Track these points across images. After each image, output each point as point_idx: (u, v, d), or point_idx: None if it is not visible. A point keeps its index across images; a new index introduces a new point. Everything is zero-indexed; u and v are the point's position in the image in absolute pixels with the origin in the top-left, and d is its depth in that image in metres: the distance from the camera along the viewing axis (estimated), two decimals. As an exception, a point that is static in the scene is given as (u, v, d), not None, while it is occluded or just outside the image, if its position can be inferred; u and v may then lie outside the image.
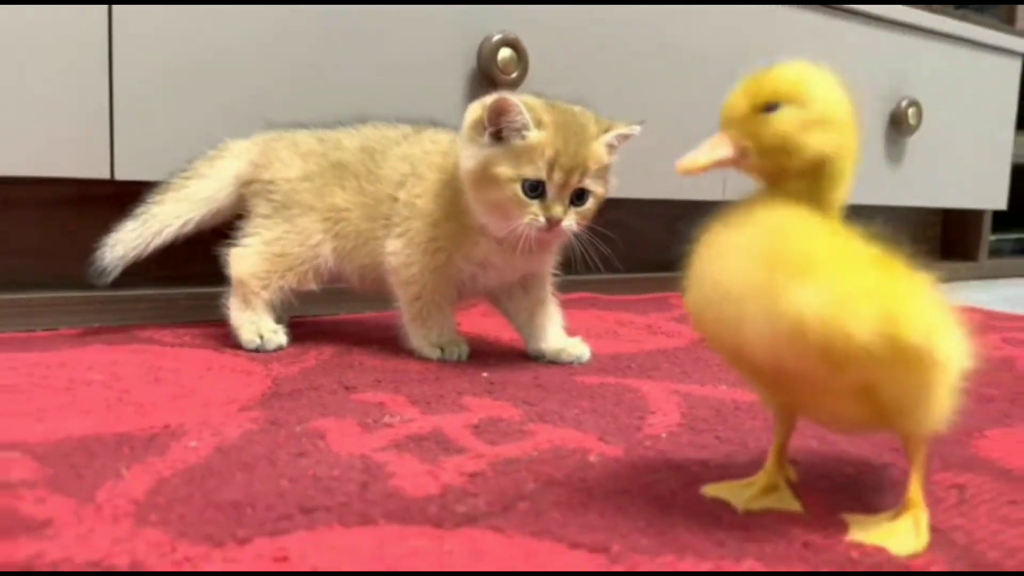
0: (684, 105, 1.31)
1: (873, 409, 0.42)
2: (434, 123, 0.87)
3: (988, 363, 0.82)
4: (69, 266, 0.89)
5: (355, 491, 0.46)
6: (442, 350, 0.79)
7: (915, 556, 0.40)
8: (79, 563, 0.37)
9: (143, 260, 0.85)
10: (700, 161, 0.41)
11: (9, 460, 0.49)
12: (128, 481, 0.46)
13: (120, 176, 0.90)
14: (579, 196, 0.73)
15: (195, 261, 0.90)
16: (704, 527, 0.42)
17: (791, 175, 0.40)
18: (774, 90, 0.40)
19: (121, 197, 0.88)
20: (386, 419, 0.59)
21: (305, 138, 0.85)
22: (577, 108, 0.75)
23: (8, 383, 0.65)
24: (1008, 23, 2.20)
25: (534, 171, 0.70)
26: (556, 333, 0.81)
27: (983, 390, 0.75)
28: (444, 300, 0.79)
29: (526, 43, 1.11)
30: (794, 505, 0.46)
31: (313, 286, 0.84)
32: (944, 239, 2.04)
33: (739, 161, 0.40)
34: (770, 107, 0.39)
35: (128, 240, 0.81)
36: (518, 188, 0.70)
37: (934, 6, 1.71)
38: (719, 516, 0.44)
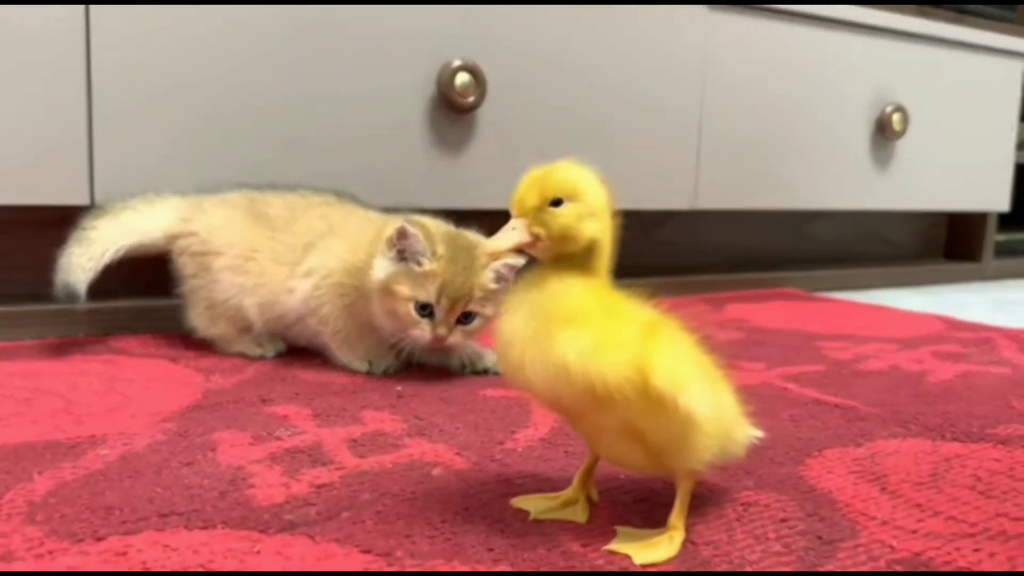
0: (646, 122, 1.37)
1: (645, 450, 0.50)
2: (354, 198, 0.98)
3: (893, 378, 0.87)
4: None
5: (212, 499, 0.54)
6: (370, 363, 0.88)
7: (653, 565, 0.47)
8: (-38, 555, 0.46)
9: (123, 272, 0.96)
10: (504, 245, 0.49)
11: (-53, 465, 0.59)
12: (36, 484, 0.56)
13: (101, 202, 1.00)
14: (466, 316, 0.84)
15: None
16: (486, 535, 0.50)
17: (571, 253, 0.49)
18: (557, 188, 0.48)
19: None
20: (278, 432, 0.67)
21: (235, 195, 0.96)
22: (473, 238, 0.85)
23: (-21, 392, 0.76)
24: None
25: (425, 295, 0.81)
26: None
27: (866, 408, 0.80)
28: (364, 328, 0.88)
29: (485, 68, 1.18)
30: (581, 518, 0.53)
31: (256, 328, 0.93)
32: (949, 241, 2.05)
33: (533, 244, 0.49)
34: (555, 202, 0.48)
35: (80, 263, 0.91)
36: (411, 307, 0.82)
37: (924, 7, 1.72)
38: (509, 526, 0.51)
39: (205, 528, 0.50)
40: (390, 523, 0.51)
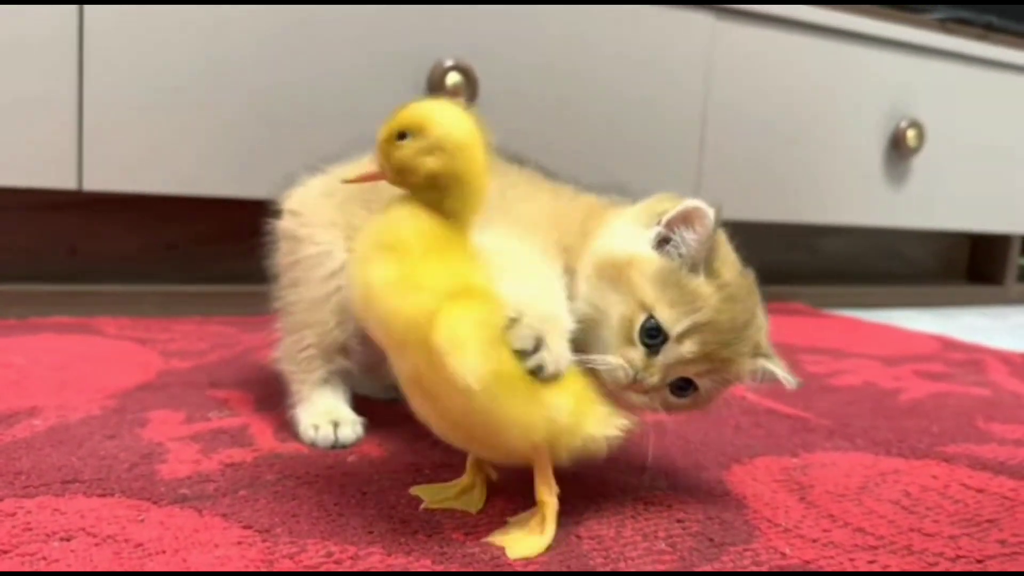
0: (645, 129, 1.36)
1: (466, 433, 0.48)
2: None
3: (862, 393, 0.85)
4: (54, 262, 1.05)
5: (121, 470, 0.55)
6: None
7: (525, 559, 0.47)
8: None
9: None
10: (351, 175, 0.50)
11: None
12: (-41, 449, 0.58)
13: (88, 187, 1.03)
14: (685, 385, 0.54)
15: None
16: (372, 520, 0.50)
17: (416, 188, 0.47)
18: (404, 122, 0.47)
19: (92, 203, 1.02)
20: (211, 414, 0.68)
21: None
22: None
23: (-56, 363, 0.79)
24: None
25: (671, 317, 0.52)
26: None
27: (817, 420, 0.79)
28: None
29: (477, 69, 1.19)
30: (473, 507, 0.53)
31: None
32: (971, 262, 2.00)
33: (381, 176, 0.48)
34: (400, 136, 0.46)
35: None
36: (639, 320, 0.52)
37: (948, 24, 1.68)
38: (398, 512, 0.51)
39: (102, 496, 0.51)
40: (282, 503, 0.52)
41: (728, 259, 0.56)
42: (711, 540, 0.51)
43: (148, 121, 1.04)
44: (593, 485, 0.58)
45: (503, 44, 1.22)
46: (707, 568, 0.47)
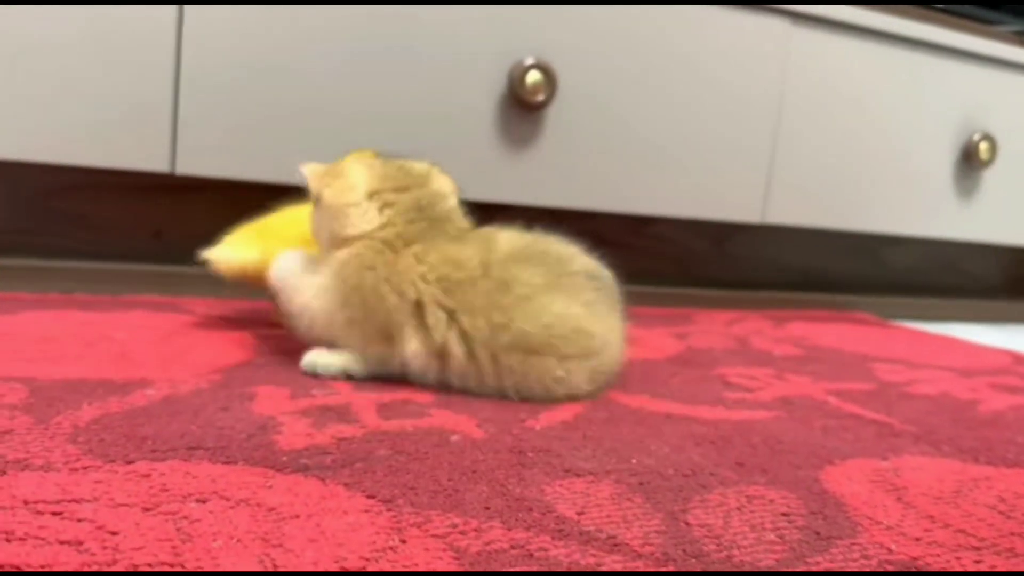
0: (718, 131, 1.37)
1: None
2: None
3: (941, 403, 0.86)
4: (142, 243, 1.08)
5: (239, 440, 0.58)
6: None
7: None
8: (9, 459, 0.51)
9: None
10: None
11: (11, 388, 0.64)
12: (83, 413, 0.60)
13: (180, 171, 1.06)
14: None
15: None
16: (487, 496, 0.52)
17: None
18: None
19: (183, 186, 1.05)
20: (314, 391, 0.71)
21: None
22: None
23: (51, 334, 0.82)
24: None
25: None
26: None
27: (902, 426, 0.79)
28: None
29: (557, 68, 1.20)
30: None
31: None
32: (1034, 279, 1.97)
33: None
34: None
35: None
36: None
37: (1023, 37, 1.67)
38: (510, 491, 0.53)
39: (227, 463, 0.53)
40: (398, 476, 0.54)
41: None
42: (818, 534, 0.51)
43: (240, 109, 1.07)
44: (691, 475, 0.59)
45: (583, 43, 1.24)
46: (818, 559, 0.48)
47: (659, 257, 1.52)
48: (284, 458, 0.55)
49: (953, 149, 1.61)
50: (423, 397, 0.73)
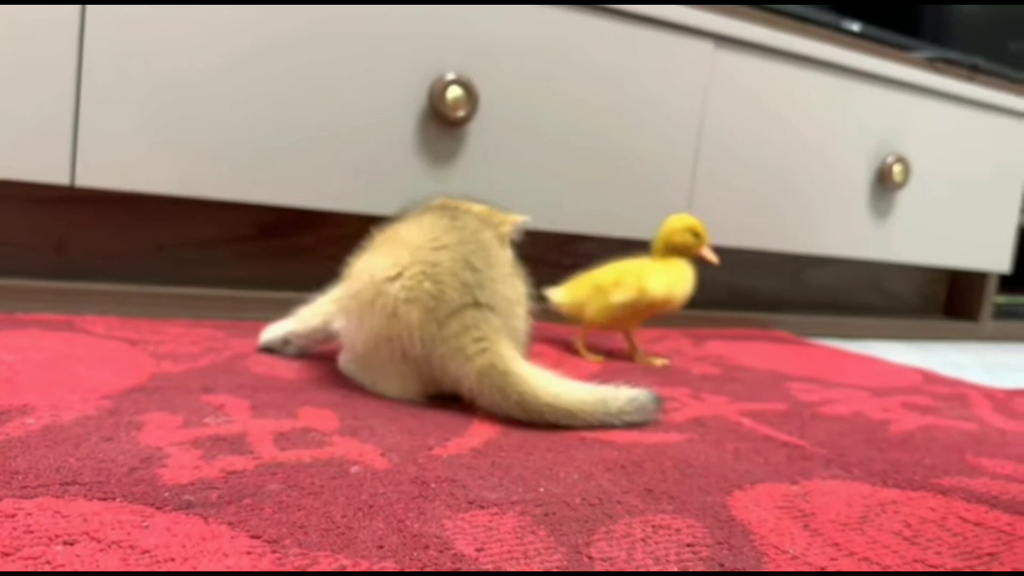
0: (641, 151, 1.37)
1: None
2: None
3: (853, 423, 0.87)
4: (42, 257, 1.02)
5: (120, 473, 0.54)
6: None
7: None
8: None
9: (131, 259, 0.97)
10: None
11: None
12: (-50, 446, 0.56)
13: (80, 183, 1.01)
14: None
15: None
16: (382, 534, 0.49)
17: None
18: (694, 227, 1.12)
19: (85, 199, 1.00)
20: (207, 419, 0.67)
21: None
22: None
23: (-72, 357, 0.77)
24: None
25: None
26: None
27: (814, 448, 0.79)
28: None
29: (478, 84, 1.19)
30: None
31: None
32: (948, 298, 2.03)
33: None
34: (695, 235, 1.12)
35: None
36: None
37: (937, 63, 1.72)
38: (408, 526, 0.51)
39: (104, 499, 0.50)
40: (288, 513, 0.51)
41: None
42: (721, 565, 0.50)
43: (144, 121, 1.03)
44: (598, 504, 0.58)
45: (505, 60, 1.23)
46: (721, 594, 0.47)
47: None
48: (166, 494, 0.52)
49: (869, 171, 1.65)
50: (326, 424, 0.70)
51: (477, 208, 0.89)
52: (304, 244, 1.25)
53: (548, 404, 0.75)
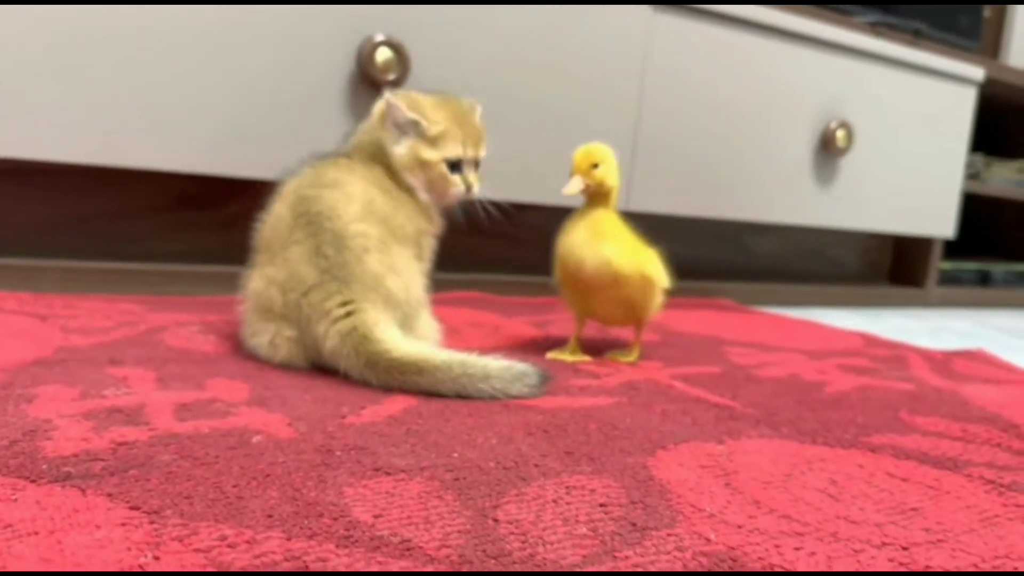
0: (578, 116, 1.35)
1: (627, 311, 0.90)
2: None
3: (787, 384, 0.86)
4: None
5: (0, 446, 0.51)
6: None
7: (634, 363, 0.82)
8: None
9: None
10: (573, 190, 0.85)
11: None
12: None
13: (-14, 152, 0.96)
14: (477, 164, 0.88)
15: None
16: (275, 503, 0.46)
17: (596, 196, 0.87)
18: (595, 157, 0.86)
19: None
20: (106, 391, 0.64)
21: None
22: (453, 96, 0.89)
23: None
24: (991, 55, 2.18)
25: (453, 152, 0.84)
26: None
27: (744, 409, 0.77)
28: None
29: (408, 47, 1.15)
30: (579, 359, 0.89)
31: None
32: (894, 265, 2.04)
33: (585, 190, 0.86)
34: (595, 165, 0.86)
35: None
36: (444, 168, 0.84)
37: (880, 28, 1.71)
38: (303, 495, 0.48)
39: (-27, 475, 0.46)
40: (175, 484, 0.48)
41: (425, 101, 0.85)
42: (633, 524, 0.48)
43: (56, 88, 0.97)
44: (512, 468, 0.55)
45: (437, 23, 1.19)
46: (628, 553, 0.45)
47: (528, 245, 1.49)
48: (44, 466, 0.48)
49: (811, 137, 1.64)
50: (235, 395, 0.67)
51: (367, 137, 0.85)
52: (229, 214, 1.20)
53: (396, 359, 0.71)
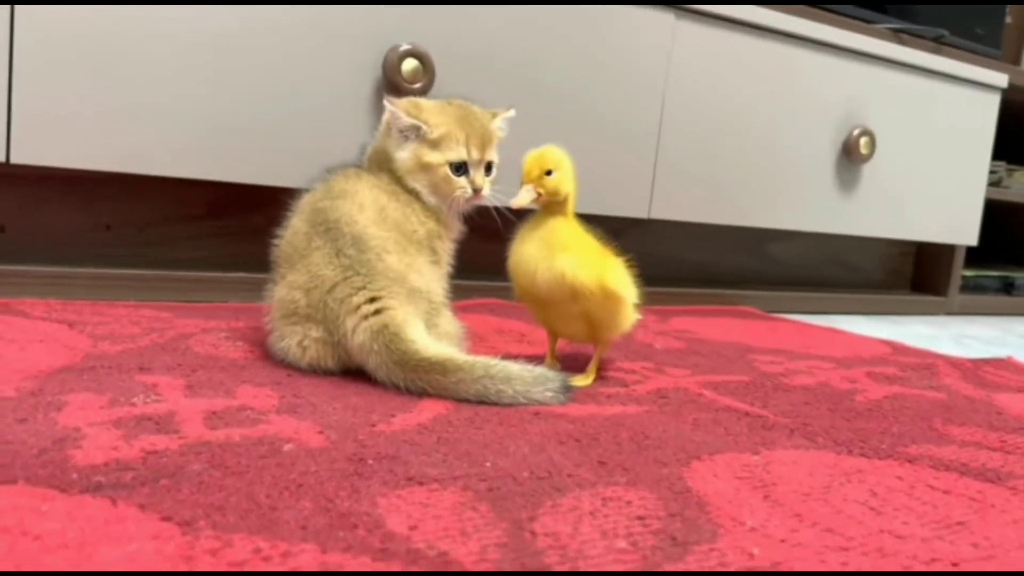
0: (602, 124, 1.34)
1: (589, 327, 0.81)
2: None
3: (819, 393, 0.84)
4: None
5: (28, 456, 0.50)
6: None
7: (585, 387, 0.78)
8: None
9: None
10: (523, 202, 0.78)
11: None
12: None
13: (16, 160, 0.96)
14: (488, 167, 0.87)
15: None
16: (309, 514, 0.46)
17: (555, 204, 0.79)
18: (547, 164, 0.78)
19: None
20: (135, 399, 0.63)
21: None
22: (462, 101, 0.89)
23: None
24: (1013, 62, 2.16)
25: (456, 155, 0.83)
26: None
27: (776, 418, 0.76)
28: None
29: (434, 56, 1.15)
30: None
31: None
32: (916, 272, 2.01)
33: (537, 200, 0.78)
34: (548, 172, 0.78)
35: None
36: (448, 170, 0.83)
37: (903, 35, 1.70)
38: (336, 505, 0.47)
39: (5, 483, 0.46)
40: (207, 494, 0.47)
41: (427, 105, 0.85)
42: (674, 539, 0.47)
43: (87, 97, 0.97)
44: (546, 478, 0.54)
45: (462, 32, 1.19)
46: (670, 568, 0.43)
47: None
48: (75, 476, 0.48)
49: (834, 144, 1.62)
50: (265, 402, 0.66)
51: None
52: (256, 223, 1.20)
53: (425, 359, 0.71)
